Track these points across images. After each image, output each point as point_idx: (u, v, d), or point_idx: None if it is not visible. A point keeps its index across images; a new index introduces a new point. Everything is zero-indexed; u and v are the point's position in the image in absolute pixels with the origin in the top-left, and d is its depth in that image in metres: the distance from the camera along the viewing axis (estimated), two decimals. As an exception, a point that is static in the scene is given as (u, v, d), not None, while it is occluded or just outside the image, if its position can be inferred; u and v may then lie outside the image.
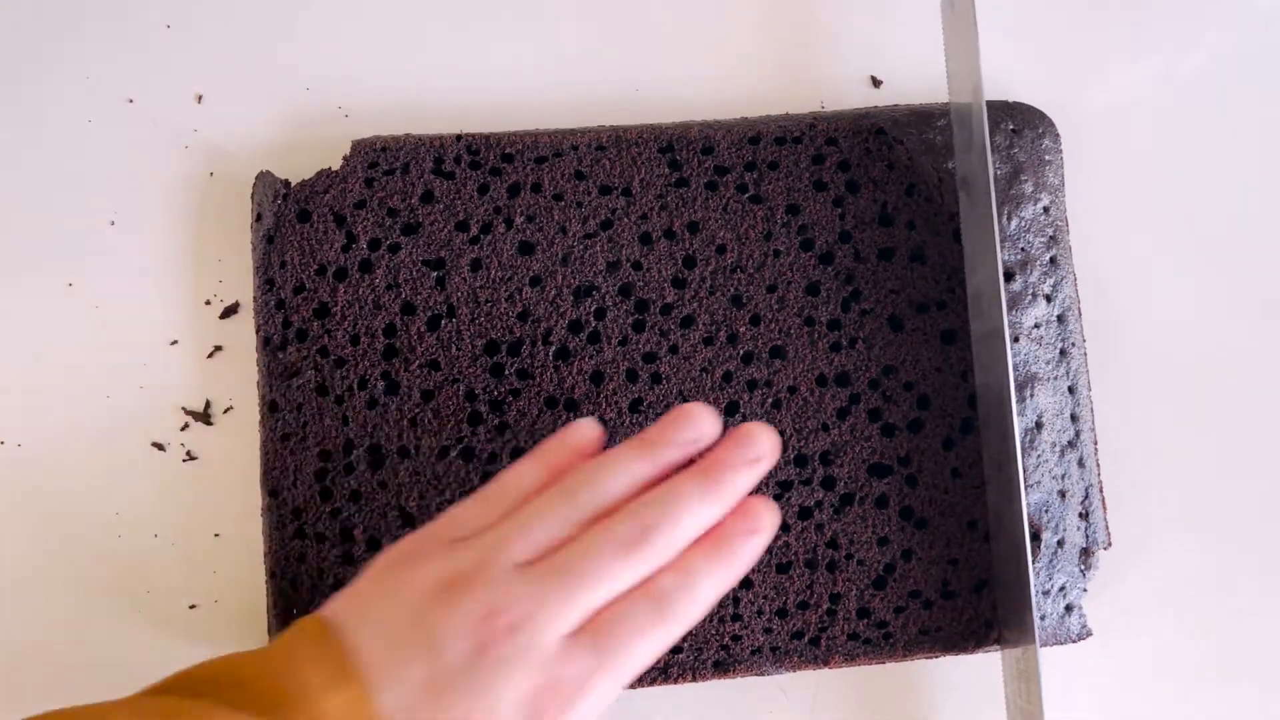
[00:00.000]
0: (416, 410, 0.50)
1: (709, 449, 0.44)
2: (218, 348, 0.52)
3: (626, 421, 0.50)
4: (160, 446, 0.52)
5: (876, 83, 0.54)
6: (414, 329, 0.50)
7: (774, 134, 0.52)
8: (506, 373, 0.50)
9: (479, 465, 0.50)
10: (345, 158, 0.51)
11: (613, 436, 0.50)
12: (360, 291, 0.50)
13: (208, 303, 0.53)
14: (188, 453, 0.52)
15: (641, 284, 0.51)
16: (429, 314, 0.50)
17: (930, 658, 0.49)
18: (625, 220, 0.51)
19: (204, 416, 0.52)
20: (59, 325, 0.52)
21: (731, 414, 0.50)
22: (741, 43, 0.55)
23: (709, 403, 0.49)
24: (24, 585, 0.51)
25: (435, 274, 0.50)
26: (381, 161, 0.51)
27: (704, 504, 0.42)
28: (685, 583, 0.41)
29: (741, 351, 0.50)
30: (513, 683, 0.39)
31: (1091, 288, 0.53)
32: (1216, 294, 0.54)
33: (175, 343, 0.52)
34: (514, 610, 0.39)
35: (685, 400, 0.50)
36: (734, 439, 0.43)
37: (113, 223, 0.53)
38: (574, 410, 0.50)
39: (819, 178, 0.51)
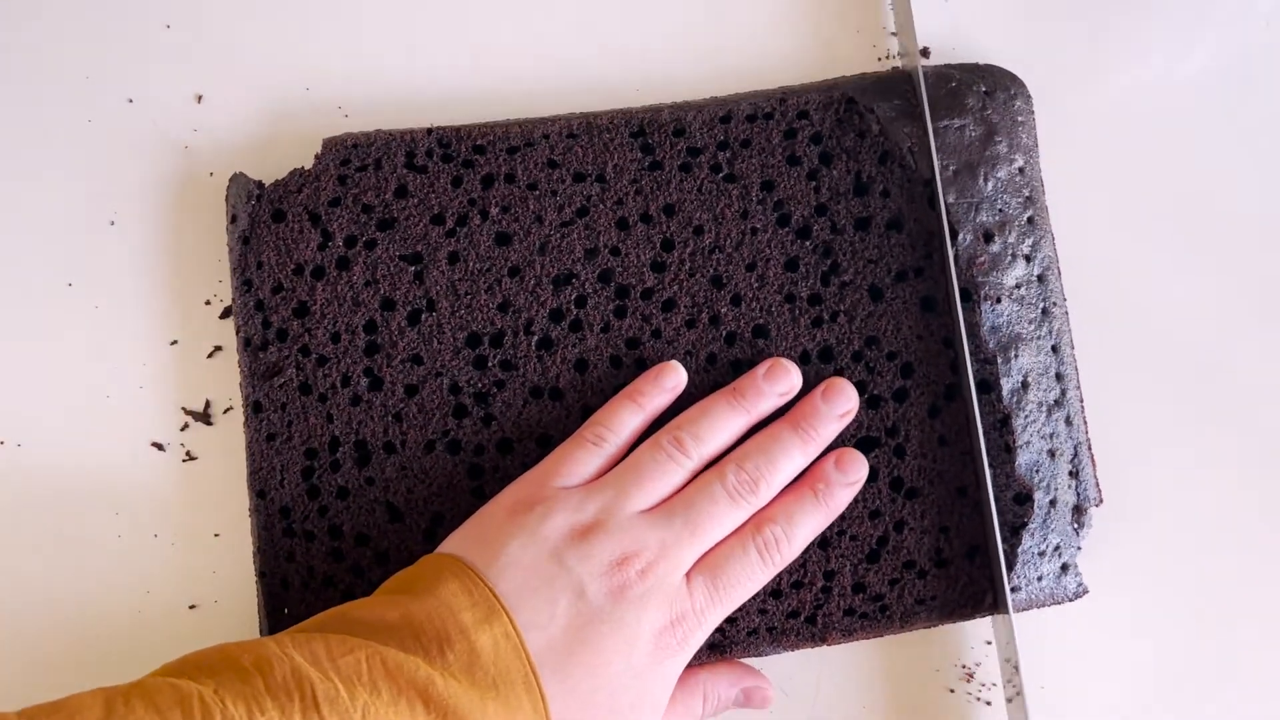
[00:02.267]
0: (401, 405, 0.50)
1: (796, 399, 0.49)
2: (218, 348, 0.53)
3: (612, 408, 0.50)
4: (160, 446, 0.52)
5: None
6: (394, 324, 0.50)
7: (745, 112, 0.52)
8: (489, 364, 0.50)
9: (466, 458, 0.49)
10: (317, 156, 0.51)
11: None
12: (339, 289, 0.50)
13: (208, 303, 0.53)
14: (188, 453, 0.52)
15: (621, 269, 0.51)
16: (409, 309, 0.50)
17: (928, 626, 0.49)
18: (601, 206, 0.51)
19: (204, 416, 0.52)
20: (59, 325, 0.52)
21: (718, 395, 0.50)
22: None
23: (694, 385, 0.49)
24: (24, 585, 0.51)
25: (413, 269, 0.50)
26: (354, 158, 0.51)
27: (801, 454, 0.48)
28: (789, 530, 0.46)
29: (724, 332, 0.50)
30: (647, 618, 0.43)
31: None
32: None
33: (175, 343, 0.53)
34: (645, 554, 0.44)
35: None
36: (825, 394, 0.49)
37: (113, 223, 0.53)
38: (559, 399, 0.50)
39: (792, 152, 0.51)
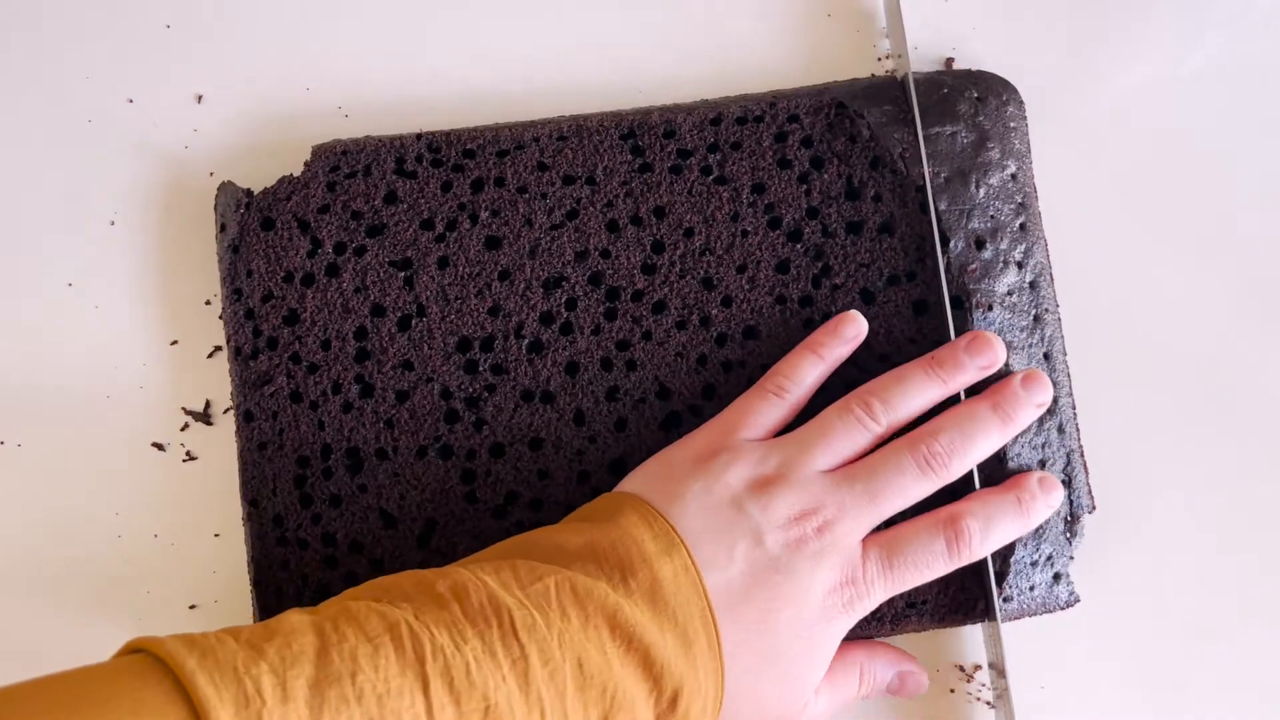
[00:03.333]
0: (392, 411, 0.50)
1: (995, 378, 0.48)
2: (218, 348, 0.53)
3: (604, 411, 0.50)
4: (160, 446, 0.52)
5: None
6: (385, 330, 0.50)
7: (735, 114, 0.51)
8: (480, 369, 0.50)
9: (458, 463, 0.49)
10: (306, 163, 0.51)
11: (590, 426, 0.49)
12: (329, 296, 0.50)
13: (207, 303, 0.53)
14: (188, 453, 0.52)
15: (611, 272, 0.51)
16: (399, 314, 0.50)
17: (918, 630, 0.49)
18: (591, 209, 0.51)
19: (204, 416, 0.52)
20: (59, 325, 0.52)
21: (709, 397, 0.50)
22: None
23: (685, 387, 0.49)
24: (24, 585, 0.51)
25: (403, 274, 0.50)
26: (343, 165, 0.51)
27: (999, 436, 0.47)
28: (985, 532, 0.46)
29: (715, 334, 0.50)
30: (820, 574, 0.44)
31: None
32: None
33: (175, 343, 0.53)
34: (825, 512, 0.44)
35: (662, 386, 0.50)
36: (1025, 381, 0.48)
37: (113, 223, 0.53)
38: (550, 403, 0.50)
39: (783, 155, 0.51)
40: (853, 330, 0.48)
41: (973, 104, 0.51)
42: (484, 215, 0.51)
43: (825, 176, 0.51)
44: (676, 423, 0.50)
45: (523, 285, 0.50)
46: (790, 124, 0.51)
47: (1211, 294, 0.53)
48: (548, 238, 0.51)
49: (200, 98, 0.54)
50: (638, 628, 0.40)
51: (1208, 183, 0.54)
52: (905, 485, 0.45)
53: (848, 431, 0.46)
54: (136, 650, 0.37)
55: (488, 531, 0.49)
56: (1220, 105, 0.54)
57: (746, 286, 0.50)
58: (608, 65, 0.54)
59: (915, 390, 0.47)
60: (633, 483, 0.47)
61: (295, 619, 0.38)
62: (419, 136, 0.51)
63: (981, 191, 0.50)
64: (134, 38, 0.54)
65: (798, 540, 0.44)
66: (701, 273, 0.50)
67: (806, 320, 0.50)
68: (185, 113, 0.54)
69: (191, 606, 0.51)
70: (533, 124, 0.52)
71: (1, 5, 0.54)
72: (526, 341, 0.50)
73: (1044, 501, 0.47)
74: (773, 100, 0.51)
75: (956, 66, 0.54)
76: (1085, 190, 0.54)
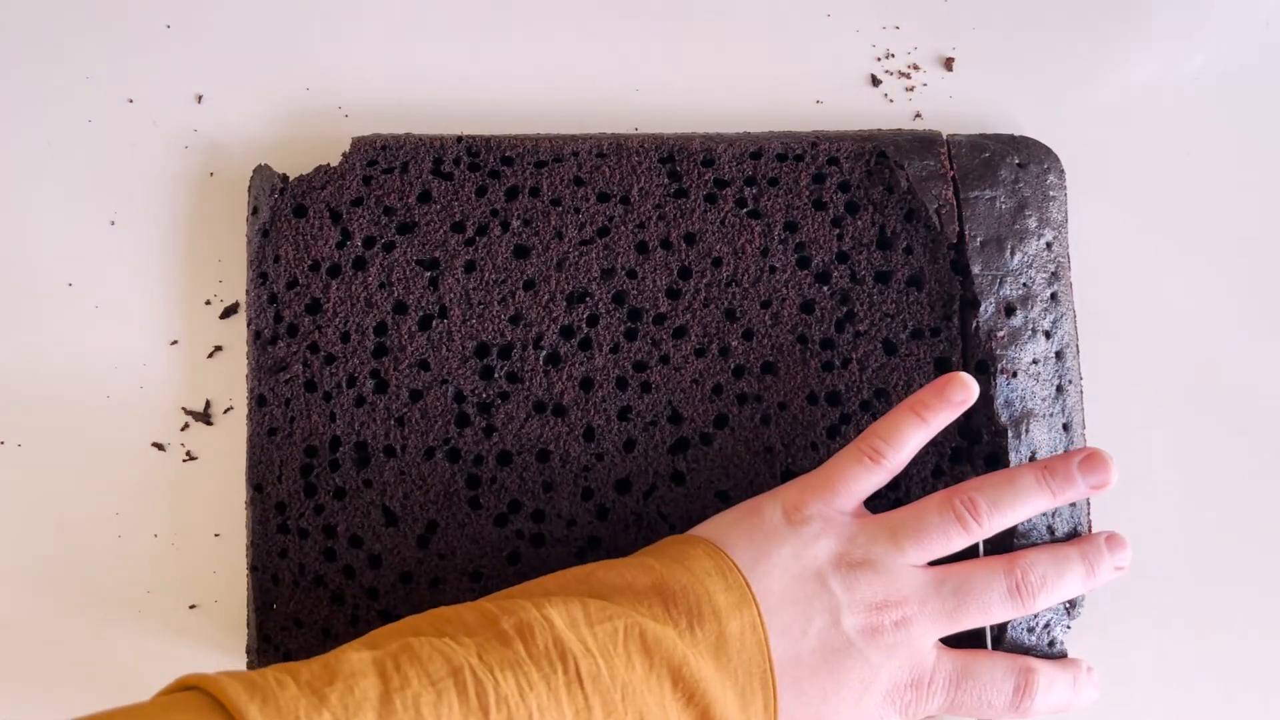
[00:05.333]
0: (404, 410, 0.50)
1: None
2: (218, 348, 0.52)
3: (615, 429, 0.50)
4: (160, 446, 0.52)
5: (876, 81, 0.54)
6: (405, 328, 0.50)
7: (776, 150, 0.51)
8: (496, 375, 0.50)
9: (464, 467, 0.50)
10: (345, 155, 0.51)
11: (599, 443, 0.50)
12: (353, 289, 0.50)
13: (208, 303, 0.53)
14: (188, 453, 0.52)
15: (635, 293, 0.51)
16: (421, 314, 0.50)
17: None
18: (622, 228, 0.51)
19: (204, 416, 0.52)
20: (59, 325, 0.52)
21: (720, 426, 0.50)
22: (744, 49, 0.55)
23: (698, 414, 0.49)
24: (24, 585, 0.51)
25: (429, 274, 0.50)
26: (381, 160, 0.51)
27: (1080, 585, 0.47)
28: (1052, 680, 0.46)
29: (733, 365, 0.50)
30: (888, 668, 0.43)
31: (1086, 308, 0.52)
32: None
33: (175, 343, 0.52)
34: (906, 608, 0.44)
35: (675, 411, 0.50)
36: (1113, 544, 0.48)
37: (113, 223, 0.53)
38: (561, 416, 0.50)
39: (819, 196, 0.51)
40: (960, 395, 0.46)
41: (1014, 170, 0.51)
42: (515, 223, 0.51)
43: (859, 223, 0.51)
44: (684, 447, 0.50)
45: (546, 297, 0.50)
46: (830, 166, 0.51)
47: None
48: (576, 252, 0.51)
49: (200, 98, 0.54)
50: (701, 683, 0.40)
51: (1209, 181, 0.54)
52: (990, 605, 0.45)
53: (945, 530, 0.45)
54: (189, 687, 0.36)
55: (488, 538, 0.49)
56: (1222, 103, 0.54)
57: (769, 322, 0.50)
58: (605, 82, 0.54)
59: (1024, 497, 0.46)
60: (713, 527, 0.46)
61: (355, 658, 0.37)
62: (459, 139, 0.51)
63: (1016, 258, 0.50)
64: (134, 38, 0.54)
65: (874, 629, 0.43)
66: (726, 303, 0.50)
67: (825, 363, 0.50)
68: (185, 113, 0.54)
69: (191, 606, 0.51)
70: (574, 138, 0.51)
71: (1, 5, 0.53)
72: (545, 353, 0.50)
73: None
74: (815, 140, 0.51)
75: (957, 65, 0.54)
76: (1089, 187, 0.54)
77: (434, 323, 0.50)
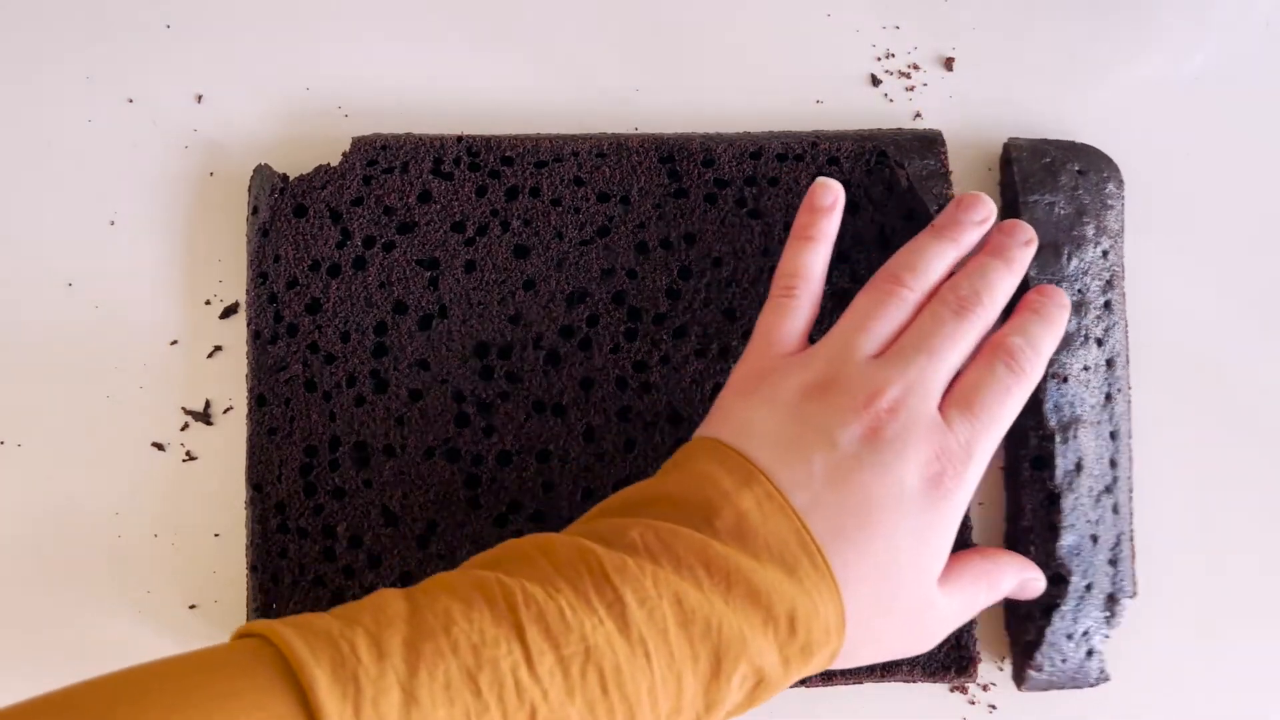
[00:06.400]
0: (404, 409, 0.50)
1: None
2: (218, 348, 0.52)
3: (615, 429, 0.50)
4: (160, 446, 0.52)
5: (876, 81, 0.54)
6: (405, 328, 0.50)
7: (776, 150, 0.51)
8: (496, 375, 0.50)
9: (464, 467, 0.50)
10: (345, 154, 0.51)
11: (599, 443, 0.50)
12: (353, 288, 0.50)
13: (208, 303, 0.53)
14: (188, 453, 0.52)
15: (635, 293, 0.51)
16: (421, 313, 0.50)
17: (908, 682, 0.49)
18: (622, 228, 0.51)
19: (204, 416, 0.52)
20: (59, 325, 0.52)
21: (720, 427, 0.50)
22: (744, 49, 0.54)
23: (698, 414, 0.49)
24: (24, 585, 0.51)
25: (429, 274, 0.50)
26: (381, 159, 0.51)
27: (1008, 274, 0.46)
28: (1028, 339, 0.45)
29: (733, 365, 0.50)
30: (909, 456, 0.42)
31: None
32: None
33: (175, 343, 0.52)
34: (889, 393, 0.42)
35: (675, 411, 0.50)
36: (1003, 229, 0.47)
37: (113, 223, 0.53)
38: (561, 416, 0.50)
39: (819, 196, 0.51)
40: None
41: (1074, 177, 0.51)
42: (515, 223, 0.51)
43: (858, 222, 0.51)
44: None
45: (546, 297, 0.50)
46: (830, 165, 0.51)
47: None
48: (576, 252, 0.51)
49: (200, 98, 0.54)
50: (731, 560, 0.39)
51: (1209, 183, 0.54)
52: (951, 332, 0.44)
53: (883, 309, 0.45)
54: (245, 635, 0.37)
55: (488, 538, 0.49)
56: (1221, 103, 0.54)
57: (769, 322, 0.50)
58: (604, 82, 0.54)
59: (931, 253, 0.46)
60: (708, 425, 0.45)
61: (386, 592, 0.38)
62: (459, 139, 0.51)
63: (1072, 264, 0.50)
64: (134, 38, 0.54)
65: (872, 429, 0.42)
66: (726, 303, 0.50)
67: (825, 362, 0.50)
68: (185, 113, 0.53)
69: (191, 606, 0.51)
70: (573, 138, 0.51)
71: (1, 5, 0.53)
72: (544, 353, 0.50)
73: (1055, 302, 0.47)
74: (815, 140, 0.51)
75: (958, 65, 0.54)
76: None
77: (434, 322, 0.50)
